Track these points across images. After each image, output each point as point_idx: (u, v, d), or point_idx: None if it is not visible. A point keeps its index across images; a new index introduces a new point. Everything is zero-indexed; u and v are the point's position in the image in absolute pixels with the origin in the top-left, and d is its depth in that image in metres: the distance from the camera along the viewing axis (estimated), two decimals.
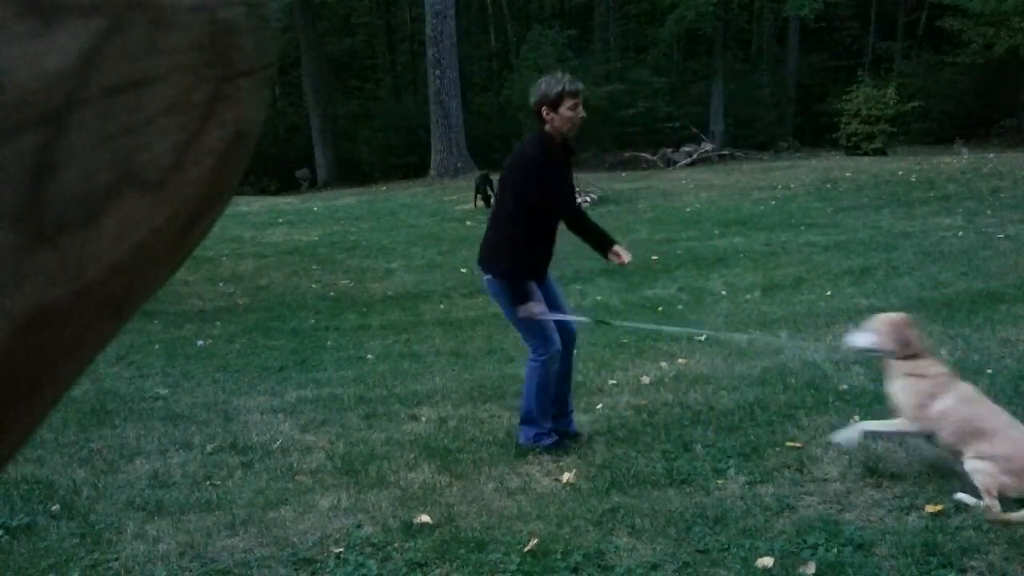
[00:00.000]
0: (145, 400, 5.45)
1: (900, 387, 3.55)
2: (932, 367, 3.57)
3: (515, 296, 4.07)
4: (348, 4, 33.67)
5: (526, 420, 4.28)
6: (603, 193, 16.16)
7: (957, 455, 3.42)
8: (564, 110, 4.00)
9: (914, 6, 31.05)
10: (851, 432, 3.66)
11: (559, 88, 3.98)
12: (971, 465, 3.33)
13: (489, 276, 4.17)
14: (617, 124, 25.98)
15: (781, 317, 7.16)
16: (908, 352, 3.58)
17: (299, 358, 6.73)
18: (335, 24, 33.63)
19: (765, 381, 5.13)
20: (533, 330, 4.15)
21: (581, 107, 4.09)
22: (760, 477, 3.74)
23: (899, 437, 3.72)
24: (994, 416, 3.44)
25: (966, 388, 3.53)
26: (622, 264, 4.49)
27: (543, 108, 4.01)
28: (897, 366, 3.58)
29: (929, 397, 3.47)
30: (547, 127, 4.06)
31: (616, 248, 4.42)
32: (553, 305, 4.25)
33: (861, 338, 3.69)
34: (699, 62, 31.46)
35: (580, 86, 4.09)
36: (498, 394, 5.34)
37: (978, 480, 3.28)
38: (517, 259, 4.06)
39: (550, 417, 4.28)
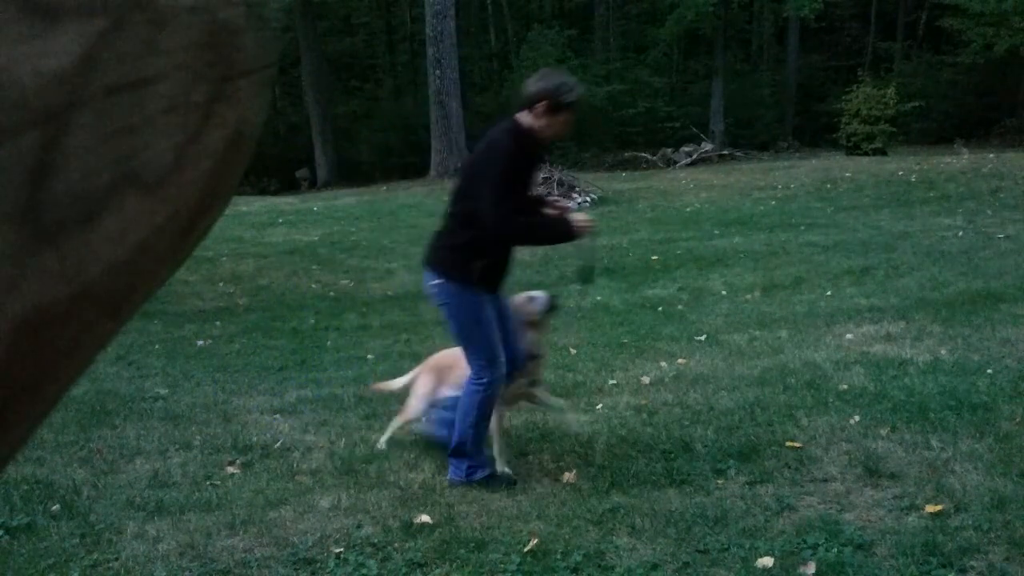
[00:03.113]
0: (145, 400, 5.44)
1: None
2: None
3: (556, 230, 3.66)
4: (348, 4, 33.66)
5: (457, 453, 3.83)
6: (603, 193, 16.16)
7: None
8: (560, 119, 3.58)
9: (914, 6, 31.05)
10: None
11: (571, 97, 3.56)
12: None
13: (439, 280, 3.67)
14: (617, 124, 25.99)
15: (781, 317, 7.16)
16: None
17: (299, 358, 6.73)
18: (335, 24, 33.62)
19: (765, 381, 5.13)
20: (481, 348, 3.69)
21: (568, 127, 3.71)
22: (760, 477, 3.74)
23: None
24: None
25: None
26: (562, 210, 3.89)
27: (542, 104, 3.53)
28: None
29: None
30: (531, 123, 3.59)
31: (574, 216, 3.81)
32: (503, 328, 3.79)
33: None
34: (699, 62, 31.46)
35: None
36: None
37: None
38: (476, 260, 3.62)
39: (483, 448, 3.89)
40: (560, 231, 3.70)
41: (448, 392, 4.14)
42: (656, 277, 9.66)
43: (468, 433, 3.78)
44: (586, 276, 4.27)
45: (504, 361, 3.73)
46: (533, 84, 3.58)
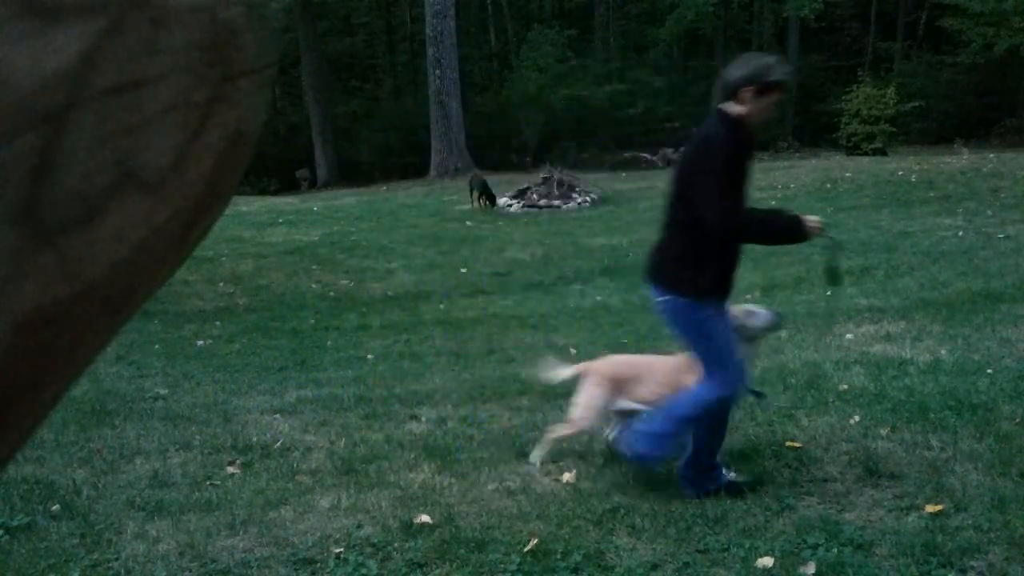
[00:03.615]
0: (145, 400, 5.44)
1: None
2: None
3: (788, 227, 3.45)
4: (348, 4, 33.67)
5: (697, 467, 3.58)
6: (603, 193, 16.16)
7: None
8: (767, 101, 3.39)
9: (914, 6, 31.06)
10: None
11: (778, 76, 3.39)
12: None
13: (667, 297, 3.44)
14: (617, 124, 26.00)
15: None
16: None
17: (299, 358, 6.73)
18: (335, 24, 33.64)
19: (765, 381, 5.13)
20: (718, 362, 3.44)
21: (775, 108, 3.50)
22: (760, 477, 3.74)
23: None
24: None
25: None
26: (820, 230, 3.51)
27: (749, 89, 3.34)
28: None
29: None
30: (738, 110, 3.39)
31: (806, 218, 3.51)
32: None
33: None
34: (699, 62, 31.47)
35: (791, 84, 3.50)
36: (498, 394, 5.34)
37: None
38: (706, 270, 3.41)
39: (718, 455, 3.62)
40: (793, 230, 3.46)
41: (627, 404, 3.86)
42: None
43: (702, 447, 3.55)
44: (834, 278, 3.93)
45: (742, 379, 3.52)
46: (736, 71, 3.40)
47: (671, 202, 3.53)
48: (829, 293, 3.81)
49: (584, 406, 3.93)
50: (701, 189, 3.35)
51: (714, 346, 3.46)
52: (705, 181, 3.34)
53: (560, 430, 4.00)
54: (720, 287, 3.48)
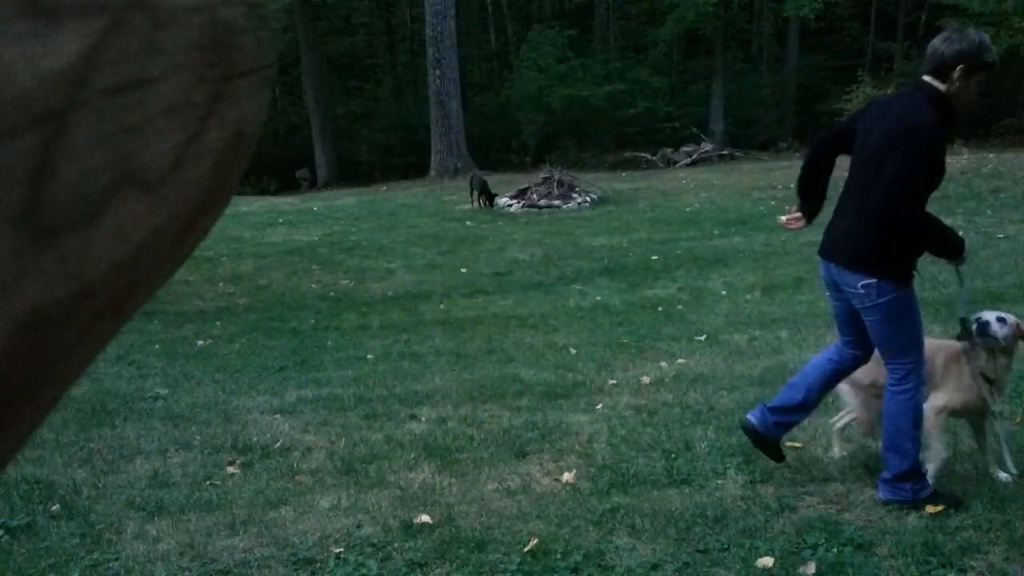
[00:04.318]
0: (145, 400, 5.44)
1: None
2: None
3: (949, 243, 3.32)
4: (348, 4, 33.67)
5: (906, 475, 3.34)
6: (603, 193, 16.16)
7: None
8: (974, 81, 3.21)
9: (914, 6, 31.05)
10: None
11: (991, 57, 3.21)
12: None
13: (871, 280, 3.26)
14: (617, 124, 25.99)
15: (781, 317, 7.16)
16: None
17: (299, 358, 6.73)
18: (335, 24, 33.64)
19: (765, 381, 5.13)
20: (910, 348, 3.31)
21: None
22: (760, 477, 3.74)
23: None
24: None
25: None
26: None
27: (960, 66, 3.16)
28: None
29: None
30: (946, 88, 3.20)
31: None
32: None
33: (997, 324, 3.48)
34: (699, 62, 31.46)
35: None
36: (498, 394, 5.34)
37: None
38: (913, 252, 3.27)
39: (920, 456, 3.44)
40: (951, 243, 3.36)
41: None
42: (656, 277, 9.66)
43: (909, 448, 3.34)
44: (964, 327, 3.60)
45: (925, 363, 3.37)
46: (947, 46, 3.19)
47: (866, 179, 3.30)
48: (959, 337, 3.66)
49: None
50: (894, 172, 3.14)
51: (911, 331, 3.34)
52: (901, 164, 3.13)
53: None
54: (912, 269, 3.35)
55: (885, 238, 3.23)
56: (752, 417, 3.68)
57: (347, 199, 18.65)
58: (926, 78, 3.24)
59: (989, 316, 3.51)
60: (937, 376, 3.54)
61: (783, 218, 3.80)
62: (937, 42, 3.25)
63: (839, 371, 3.63)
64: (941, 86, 3.20)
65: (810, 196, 3.68)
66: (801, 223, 3.71)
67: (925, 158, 3.12)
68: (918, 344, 3.34)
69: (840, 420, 3.95)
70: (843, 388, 3.80)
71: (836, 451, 3.92)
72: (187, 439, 4.61)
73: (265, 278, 10.80)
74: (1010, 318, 3.51)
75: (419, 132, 24.61)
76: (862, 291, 3.29)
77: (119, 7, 0.31)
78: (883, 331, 3.33)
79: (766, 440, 3.67)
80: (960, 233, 3.49)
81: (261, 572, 3.13)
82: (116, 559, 3.23)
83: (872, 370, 3.63)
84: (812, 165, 3.67)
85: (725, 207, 14.15)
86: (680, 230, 12.42)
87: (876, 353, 3.50)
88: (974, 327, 3.50)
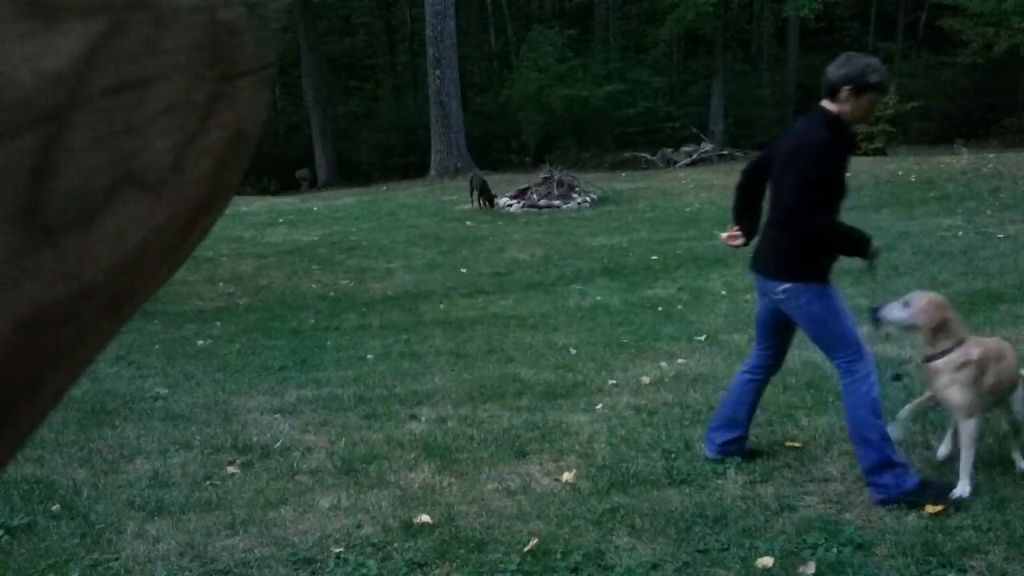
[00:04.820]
0: (145, 400, 5.44)
1: (947, 382, 3.47)
2: (972, 351, 3.49)
3: (855, 243, 3.54)
4: (348, 4, 33.67)
5: (880, 467, 3.43)
6: (603, 193, 16.16)
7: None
8: (865, 100, 3.48)
9: (914, 6, 31.06)
10: (965, 483, 3.41)
11: (876, 78, 3.47)
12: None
13: (787, 285, 3.54)
14: (617, 124, 25.99)
15: None
16: (946, 337, 3.50)
17: (299, 358, 6.73)
18: (335, 24, 33.64)
19: None
20: (843, 340, 3.51)
21: (874, 108, 3.63)
22: (760, 477, 3.74)
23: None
24: None
25: (1004, 356, 3.57)
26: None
27: (846, 88, 3.45)
28: (943, 364, 3.49)
29: (975, 380, 3.45)
30: (837, 108, 3.50)
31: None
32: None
33: (896, 311, 3.57)
34: (699, 62, 31.47)
35: (888, 88, 3.57)
36: (498, 394, 5.34)
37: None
38: (822, 255, 3.53)
39: (892, 446, 3.52)
40: (857, 242, 3.58)
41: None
42: (656, 277, 9.66)
43: (874, 438, 3.44)
44: (874, 320, 3.76)
45: (867, 348, 3.54)
46: (836, 70, 3.50)
47: (774, 197, 3.67)
48: (866, 329, 3.77)
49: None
50: (791, 183, 3.48)
51: (838, 324, 3.55)
52: (796, 176, 3.45)
53: None
54: (828, 270, 3.60)
55: (794, 245, 3.52)
56: (709, 453, 3.95)
57: (347, 199, 18.65)
58: (823, 101, 3.54)
59: (889, 305, 3.65)
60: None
61: (724, 235, 4.07)
62: (829, 67, 3.56)
63: (755, 380, 3.95)
64: (833, 107, 3.51)
65: (745, 218, 3.97)
66: (739, 240, 3.96)
67: (817, 169, 3.43)
68: (851, 335, 3.52)
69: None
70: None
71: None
72: (187, 439, 4.61)
73: (265, 278, 10.80)
74: (918, 301, 3.59)
75: (419, 132, 24.61)
76: (783, 296, 3.57)
77: (119, 7, 0.31)
78: (814, 332, 3.60)
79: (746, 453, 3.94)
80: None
81: (261, 572, 3.13)
82: (116, 559, 3.23)
83: None
84: (741, 192, 4.00)
85: (725, 207, 14.10)
86: (680, 230, 12.42)
87: None
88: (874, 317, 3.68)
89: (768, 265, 3.66)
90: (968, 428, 3.44)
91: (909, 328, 3.63)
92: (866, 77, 3.45)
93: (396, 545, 3.28)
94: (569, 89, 24.69)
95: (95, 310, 0.33)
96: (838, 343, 3.53)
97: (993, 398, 3.55)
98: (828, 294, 3.57)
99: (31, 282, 0.29)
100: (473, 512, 3.54)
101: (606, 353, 6.31)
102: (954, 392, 3.46)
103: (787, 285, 3.54)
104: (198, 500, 3.76)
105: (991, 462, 3.68)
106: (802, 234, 3.48)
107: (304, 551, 3.25)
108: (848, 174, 3.61)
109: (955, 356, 3.47)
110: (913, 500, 3.37)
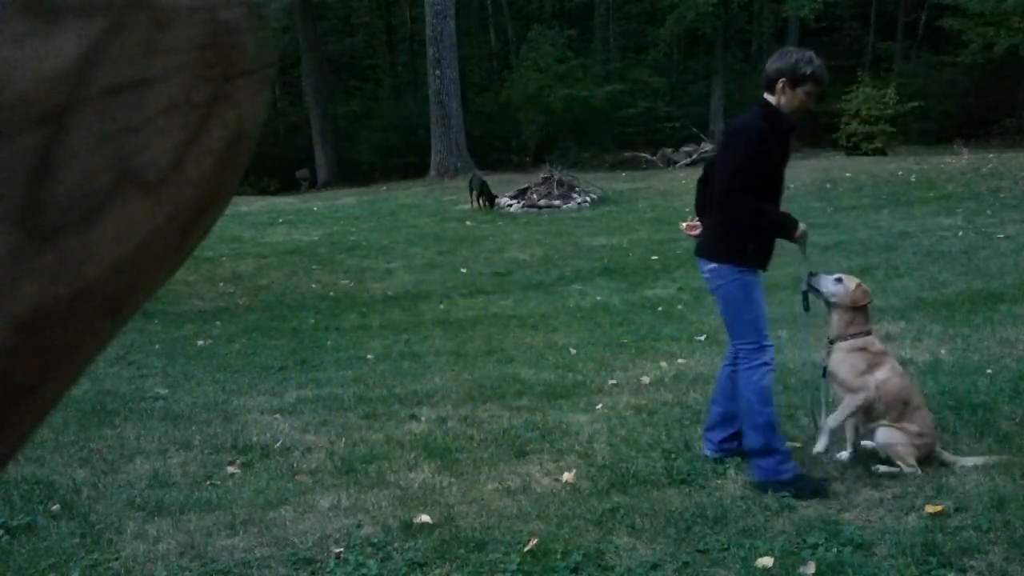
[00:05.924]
0: (145, 400, 5.44)
1: (842, 359, 3.77)
2: (875, 345, 3.83)
3: (782, 225, 3.69)
4: (348, 4, 33.67)
5: (761, 452, 3.64)
6: (603, 193, 16.16)
7: (876, 422, 3.73)
8: (800, 92, 3.65)
9: (914, 6, 31.05)
10: (824, 439, 3.73)
11: (809, 70, 3.62)
12: (888, 435, 3.67)
13: (712, 266, 3.71)
14: (617, 124, 25.99)
15: (780, 317, 7.15)
16: (858, 323, 3.80)
17: (299, 358, 6.73)
18: (335, 24, 33.62)
19: None
20: (750, 328, 3.66)
21: (814, 99, 3.76)
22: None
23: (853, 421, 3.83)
24: (916, 394, 3.81)
25: (897, 364, 3.88)
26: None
27: (781, 81, 3.63)
28: (846, 345, 3.79)
29: (869, 367, 3.73)
30: (775, 100, 3.68)
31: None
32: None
33: (830, 284, 3.85)
34: (699, 62, 31.47)
35: (827, 79, 3.74)
36: (498, 394, 5.34)
37: (897, 449, 3.64)
38: (751, 236, 3.63)
39: (777, 433, 3.69)
40: (784, 225, 3.73)
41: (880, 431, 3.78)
42: (656, 277, 9.66)
43: (759, 419, 3.64)
44: (805, 303, 4.02)
45: (771, 344, 3.70)
46: (771, 64, 3.70)
47: (713, 185, 3.79)
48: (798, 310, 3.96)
49: None
50: (723, 167, 3.66)
51: (748, 311, 3.69)
52: (727, 161, 3.65)
53: None
54: (761, 257, 3.73)
55: (723, 227, 3.69)
56: (709, 452, 3.98)
57: (347, 199, 18.65)
58: (765, 95, 3.73)
59: (824, 277, 3.92)
60: None
61: (684, 224, 4.27)
62: (767, 62, 3.76)
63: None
64: (771, 99, 3.69)
65: (704, 212, 4.08)
66: (698, 231, 4.07)
67: (747, 154, 3.59)
68: (758, 326, 3.68)
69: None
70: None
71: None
72: (187, 439, 4.61)
73: (265, 278, 10.80)
74: (849, 282, 3.88)
75: (419, 132, 24.61)
76: (708, 275, 3.77)
77: (119, 7, 0.31)
78: (726, 313, 3.76)
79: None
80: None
81: (261, 572, 3.13)
82: (116, 559, 3.23)
83: None
84: (700, 188, 4.13)
85: None
86: (680, 230, 12.41)
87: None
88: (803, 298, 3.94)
89: (701, 246, 3.83)
90: (851, 400, 3.70)
91: (833, 303, 3.85)
92: (799, 69, 3.62)
93: (396, 545, 3.28)
94: (569, 89, 24.69)
95: (95, 310, 0.33)
96: (747, 329, 3.68)
97: (878, 398, 3.74)
98: (749, 280, 3.68)
99: (31, 282, 0.29)
100: (473, 512, 3.54)
101: (606, 353, 6.31)
102: (844, 368, 3.74)
103: (713, 265, 3.71)
104: (198, 500, 3.76)
105: (991, 462, 3.68)
106: (730, 216, 3.62)
107: (304, 551, 3.25)
108: (786, 167, 3.82)
109: (857, 341, 3.77)
110: (788, 490, 3.53)
